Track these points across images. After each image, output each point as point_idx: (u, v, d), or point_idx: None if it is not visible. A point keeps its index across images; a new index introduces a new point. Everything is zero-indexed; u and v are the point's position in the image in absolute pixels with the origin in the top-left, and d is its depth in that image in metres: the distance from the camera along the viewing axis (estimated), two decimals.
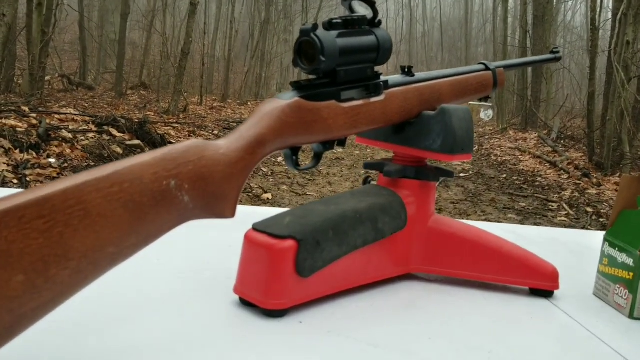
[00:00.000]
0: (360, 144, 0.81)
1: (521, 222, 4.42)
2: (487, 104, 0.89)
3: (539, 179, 6.50)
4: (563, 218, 4.71)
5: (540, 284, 0.73)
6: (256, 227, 0.64)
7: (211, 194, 0.54)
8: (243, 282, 0.63)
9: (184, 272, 0.72)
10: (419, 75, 0.75)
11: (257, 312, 0.62)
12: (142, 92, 11.60)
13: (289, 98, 0.61)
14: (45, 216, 0.44)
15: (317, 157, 0.67)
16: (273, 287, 0.61)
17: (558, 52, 0.98)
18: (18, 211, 0.43)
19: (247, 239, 0.63)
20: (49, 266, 0.44)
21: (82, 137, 4.84)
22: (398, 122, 0.72)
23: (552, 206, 5.13)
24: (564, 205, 5.14)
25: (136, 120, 5.59)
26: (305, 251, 0.62)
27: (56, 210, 0.45)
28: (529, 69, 9.54)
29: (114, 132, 5.17)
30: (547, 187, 6.00)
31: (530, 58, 0.99)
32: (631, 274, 0.70)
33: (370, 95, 0.68)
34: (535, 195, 5.57)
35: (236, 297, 0.64)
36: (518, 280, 0.73)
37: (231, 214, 0.56)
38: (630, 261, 0.70)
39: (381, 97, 0.69)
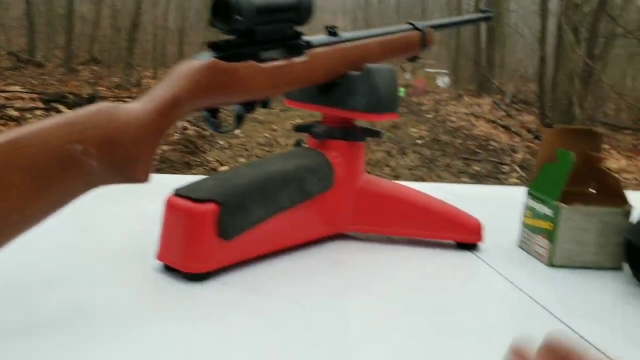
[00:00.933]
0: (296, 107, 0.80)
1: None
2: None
3: (492, 142, 6.62)
4: (515, 180, 4.83)
5: (465, 237, 0.75)
6: (178, 192, 0.63)
7: (121, 158, 0.53)
8: (166, 248, 0.63)
9: (109, 242, 0.71)
10: (344, 35, 0.75)
11: (179, 277, 0.61)
12: (93, 67, 11.24)
13: (204, 59, 0.60)
14: None
15: (239, 119, 0.66)
16: (194, 250, 0.60)
17: (488, 11, 0.99)
18: None
19: (169, 204, 0.62)
20: None
21: (29, 115, 4.68)
22: (324, 82, 0.72)
23: (505, 169, 5.24)
24: (516, 167, 5.26)
25: (85, 96, 5.44)
26: (228, 214, 0.61)
27: None
28: (483, 34, 9.62)
29: (62, 108, 5.02)
30: (500, 151, 6.12)
31: (459, 17, 1.00)
32: (551, 224, 0.72)
33: (292, 55, 0.67)
34: (489, 158, 5.68)
35: (160, 264, 0.63)
36: (444, 234, 0.75)
37: (144, 177, 0.55)
38: (549, 212, 0.72)
39: (303, 58, 0.68)
